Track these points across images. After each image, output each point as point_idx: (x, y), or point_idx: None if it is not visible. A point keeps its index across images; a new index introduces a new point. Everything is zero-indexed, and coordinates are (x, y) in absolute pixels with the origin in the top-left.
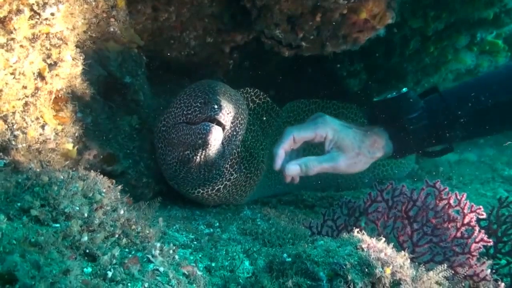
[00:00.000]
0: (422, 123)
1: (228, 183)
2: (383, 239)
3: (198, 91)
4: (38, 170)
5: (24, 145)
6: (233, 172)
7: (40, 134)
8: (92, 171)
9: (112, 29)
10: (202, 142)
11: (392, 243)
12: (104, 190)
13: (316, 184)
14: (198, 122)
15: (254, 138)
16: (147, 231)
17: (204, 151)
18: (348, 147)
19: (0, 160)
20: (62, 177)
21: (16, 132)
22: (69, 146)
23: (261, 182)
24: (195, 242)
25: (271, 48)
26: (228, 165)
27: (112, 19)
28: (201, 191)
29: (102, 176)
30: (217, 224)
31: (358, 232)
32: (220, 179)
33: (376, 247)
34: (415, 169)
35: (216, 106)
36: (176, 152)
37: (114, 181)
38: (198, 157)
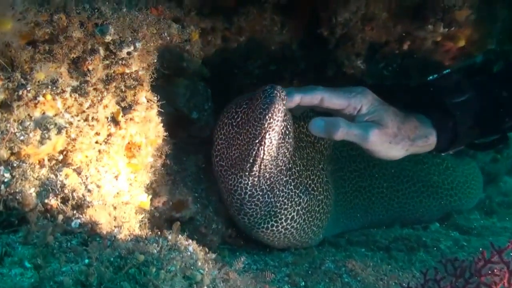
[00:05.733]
0: (471, 108)
1: (298, 208)
2: None
3: (236, 101)
4: (130, 245)
5: (100, 201)
6: (301, 194)
7: (113, 186)
8: (180, 236)
9: (184, 65)
10: (266, 119)
11: None
12: (200, 265)
13: (381, 218)
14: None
15: (309, 156)
16: None
17: (268, 134)
18: (386, 123)
19: (75, 219)
20: (156, 252)
21: (90, 186)
22: (143, 197)
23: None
24: None
25: (353, 76)
26: (292, 186)
27: (186, 54)
28: (275, 224)
29: (192, 241)
30: (303, 283)
31: None
32: (290, 203)
33: None
34: (482, 198)
35: (267, 87)
36: (238, 168)
37: (207, 249)
38: (262, 147)
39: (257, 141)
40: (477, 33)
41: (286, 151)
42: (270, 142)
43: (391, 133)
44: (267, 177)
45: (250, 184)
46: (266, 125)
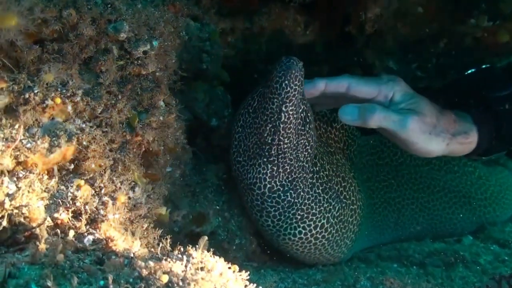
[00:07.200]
0: None
1: (329, 215)
2: None
3: (247, 98)
4: (150, 264)
5: (115, 215)
6: (331, 201)
7: (130, 198)
8: (206, 253)
9: (204, 66)
10: (283, 86)
11: None
12: (231, 286)
13: (411, 231)
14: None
15: (339, 162)
16: None
17: (285, 106)
18: (424, 112)
19: (88, 235)
20: (180, 271)
21: (104, 198)
22: (162, 210)
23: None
24: None
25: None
26: (320, 190)
27: (205, 55)
28: (303, 231)
29: (220, 258)
30: None
31: None
32: (318, 209)
33: None
34: None
35: (283, 57)
36: (257, 155)
37: (237, 267)
38: (279, 121)
39: (275, 116)
40: None
41: (307, 143)
42: (288, 118)
43: (430, 122)
44: (288, 170)
45: (269, 175)
46: (283, 95)
